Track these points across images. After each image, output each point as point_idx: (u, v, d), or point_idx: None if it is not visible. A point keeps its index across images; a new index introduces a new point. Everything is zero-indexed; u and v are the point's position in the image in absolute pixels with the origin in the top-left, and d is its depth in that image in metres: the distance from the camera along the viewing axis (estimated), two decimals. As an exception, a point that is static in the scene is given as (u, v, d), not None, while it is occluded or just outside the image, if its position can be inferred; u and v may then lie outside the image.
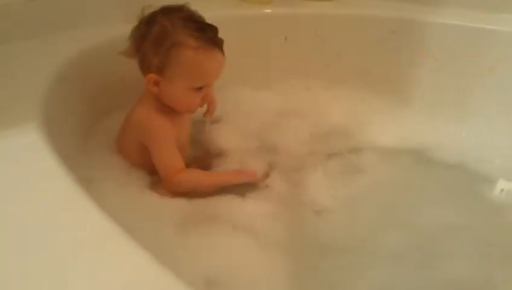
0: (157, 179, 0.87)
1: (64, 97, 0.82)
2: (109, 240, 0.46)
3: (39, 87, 0.75)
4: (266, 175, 0.95)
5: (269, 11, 1.27)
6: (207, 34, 0.80)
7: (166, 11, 0.82)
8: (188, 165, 0.89)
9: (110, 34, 0.98)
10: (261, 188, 0.91)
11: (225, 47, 1.17)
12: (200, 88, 0.83)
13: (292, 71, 1.27)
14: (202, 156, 1.01)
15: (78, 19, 1.00)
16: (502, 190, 0.99)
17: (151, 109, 0.85)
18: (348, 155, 1.03)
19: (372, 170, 0.98)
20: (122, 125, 0.90)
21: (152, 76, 0.81)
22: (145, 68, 0.83)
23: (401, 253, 0.79)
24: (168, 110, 0.85)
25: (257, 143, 1.05)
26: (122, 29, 0.94)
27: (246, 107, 1.17)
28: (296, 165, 0.99)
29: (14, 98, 0.72)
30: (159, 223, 0.76)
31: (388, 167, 1.00)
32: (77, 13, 1.01)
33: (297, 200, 0.90)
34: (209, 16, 1.11)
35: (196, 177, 0.89)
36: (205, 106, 0.92)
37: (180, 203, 0.83)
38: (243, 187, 0.90)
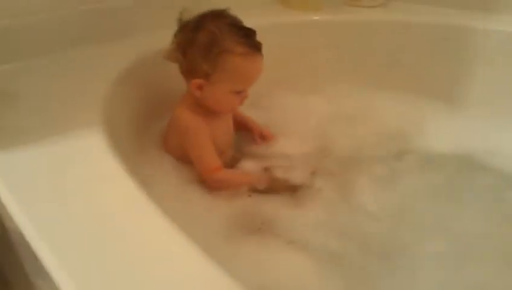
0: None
1: (123, 100, 0.86)
2: (172, 244, 0.48)
3: (100, 91, 0.79)
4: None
5: (318, 18, 1.27)
6: (252, 40, 0.83)
7: (213, 16, 0.84)
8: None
9: (165, 42, 1.02)
10: (312, 193, 0.91)
11: (273, 53, 1.19)
12: (241, 90, 0.86)
13: (341, 77, 1.26)
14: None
15: (137, 27, 1.05)
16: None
17: (189, 111, 0.87)
18: (399, 160, 1.02)
19: (423, 175, 0.97)
20: (166, 126, 0.93)
21: (198, 81, 0.84)
22: (189, 73, 0.85)
23: (443, 258, 0.78)
24: (206, 111, 0.88)
25: (307, 147, 1.05)
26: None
27: (295, 112, 1.17)
28: (347, 170, 0.98)
29: (77, 101, 0.76)
30: (209, 229, 0.77)
31: (439, 172, 0.98)
32: (136, 22, 1.06)
33: (347, 205, 0.89)
34: (254, 23, 1.15)
35: (231, 176, 0.92)
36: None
37: (229, 208, 0.85)
38: (297, 191, 0.91)
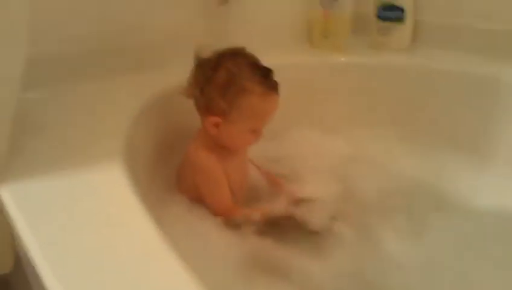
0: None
1: (144, 135, 0.86)
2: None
3: (123, 123, 0.79)
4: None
5: (343, 59, 1.28)
6: (270, 80, 0.84)
7: (232, 55, 0.85)
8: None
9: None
10: (333, 240, 0.88)
11: (296, 91, 1.20)
12: (256, 129, 0.86)
13: (363, 120, 1.25)
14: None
15: (165, 61, 1.06)
16: None
17: (203, 148, 0.87)
18: (423, 212, 0.97)
19: (446, 230, 0.92)
20: (180, 164, 0.93)
21: (214, 119, 0.84)
22: (206, 110, 0.85)
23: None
24: (221, 148, 0.88)
25: (326, 189, 1.02)
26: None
27: (314, 151, 1.15)
28: (369, 218, 0.95)
29: (100, 133, 0.76)
30: (223, 267, 0.75)
31: (464, 229, 0.92)
32: (162, 54, 1.07)
33: (369, 255, 0.86)
34: (279, 62, 1.15)
35: (244, 217, 0.89)
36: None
37: (247, 246, 0.82)
38: (312, 236, 0.88)
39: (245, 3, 1.17)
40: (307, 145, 1.18)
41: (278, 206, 0.93)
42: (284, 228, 0.90)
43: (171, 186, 0.95)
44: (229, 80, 0.82)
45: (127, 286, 0.45)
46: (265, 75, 0.83)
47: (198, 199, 0.89)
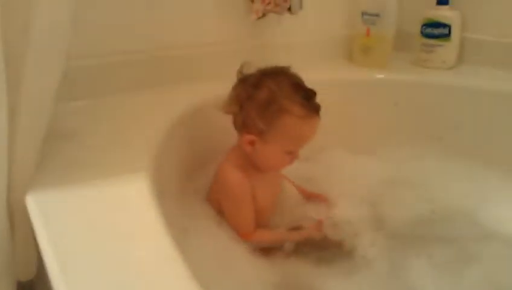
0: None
1: (172, 149, 0.86)
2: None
3: (153, 137, 0.79)
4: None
5: (382, 76, 1.24)
6: (312, 102, 0.81)
7: (274, 74, 0.82)
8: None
9: (224, 90, 1.03)
10: (362, 265, 0.85)
11: (332, 109, 1.17)
12: (292, 151, 0.84)
13: (400, 139, 1.20)
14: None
15: (199, 73, 1.07)
16: None
17: (234, 166, 0.85)
18: (462, 240, 0.91)
19: (488, 261, 0.85)
20: (212, 179, 0.92)
21: (250, 137, 0.82)
22: (243, 127, 0.83)
23: None
24: (253, 166, 0.86)
25: (358, 212, 0.98)
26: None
27: (349, 172, 1.12)
28: (402, 245, 0.90)
29: (128, 147, 0.76)
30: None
31: (507, 260, 0.86)
32: (199, 68, 1.08)
33: (398, 286, 0.82)
34: (318, 78, 1.13)
35: (264, 239, 0.89)
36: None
37: (271, 272, 0.81)
38: (343, 261, 0.86)
39: (287, 19, 1.16)
40: (341, 166, 1.14)
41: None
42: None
43: (203, 199, 0.94)
44: (269, 98, 0.80)
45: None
46: (307, 97, 0.80)
47: (222, 213, 0.88)
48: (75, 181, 0.64)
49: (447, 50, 1.25)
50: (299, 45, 1.24)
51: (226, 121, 0.87)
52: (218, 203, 0.89)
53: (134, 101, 0.95)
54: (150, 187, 0.64)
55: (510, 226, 0.94)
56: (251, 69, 0.84)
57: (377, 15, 1.24)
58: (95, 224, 0.56)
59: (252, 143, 0.82)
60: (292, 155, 0.84)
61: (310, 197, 1.01)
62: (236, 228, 0.85)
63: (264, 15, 1.09)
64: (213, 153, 0.95)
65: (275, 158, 0.84)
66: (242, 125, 0.84)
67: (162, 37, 1.04)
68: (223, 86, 1.03)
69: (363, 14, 1.26)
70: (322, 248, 0.91)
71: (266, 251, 0.88)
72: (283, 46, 1.20)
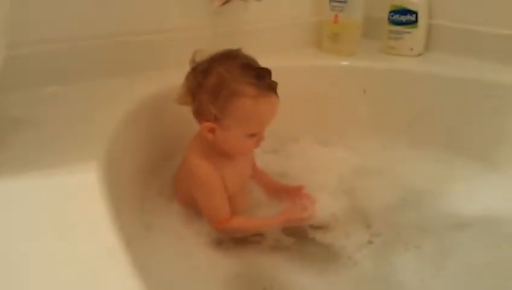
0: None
1: (131, 139, 0.82)
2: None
3: (107, 126, 0.75)
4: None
5: (347, 63, 1.22)
6: (264, 81, 0.77)
7: (223, 58, 0.80)
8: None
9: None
10: (339, 258, 0.83)
11: (300, 97, 1.16)
12: (255, 133, 0.81)
13: (369, 127, 1.19)
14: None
15: (160, 61, 1.04)
16: None
17: (200, 155, 0.83)
18: (437, 231, 0.89)
19: (464, 250, 0.84)
20: (177, 170, 0.90)
21: (209, 124, 0.79)
22: (201, 116, 0.81)
23: None
24: (219, 153, 0.83)
25: (335, 204, 0.97)
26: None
27: (318, 161, 1.11)
28: (383, 236, 0.89)
29: (83, 135, 0.73)
30: (208, 286, 0.72)
31: (482, 245, 0.85)
32: (160, 56, 1.04)
33: (381, 282, 0.79)
34: (286, 65, 1.12)
35: (241, 225, 0.87)
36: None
37: (238, 264, 0.79)
38: (323, 257, 0.84)
39: (253, 5, 1.13)
40: (311, 156, 1.13)
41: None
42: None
43: (169, 191, 0.92)
44: (219, 84, 0.77)
45: None
46: (258, 76, 0.77)
47: (194, 206, 0.86)
48: (20, 171, 0.61)
49: (415, 37, 1.24)
50: (266, 32, 1.22)
51: (188, 110, 0.84)
52: (185, 194, 0.87)
53: (93, 89, 0.91)
54: (100, 178, 0.61)
55: (478, 212, 0.93)
56: (204, 57, 0.81)
57: (344, 1, 1.22)
58: (37, 214, 0.53)
59: (211, 131, 0.80)
60: (256, 137, 0.82)
61: (284, 191, 0.98)
62: (211, 217, 0.84)
63: (228, 1, 1.06)
64: (178, 143, 0.91)
65: (237, 143, 0.81)
66: (199, 114, 0.81)
67: (124, 22, 1.00)
68: (184, 74, 1.01)
69: (331, 0, 1.25)
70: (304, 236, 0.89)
71: (243, 243, 0.86)
72: (250, 32, 1.18)
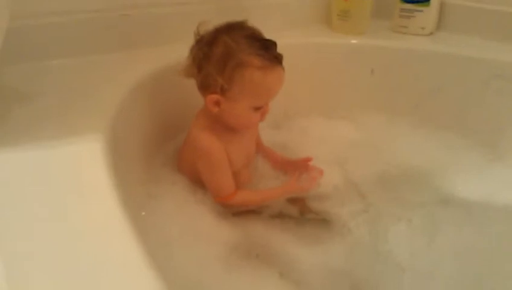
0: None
1: (136, 112, 0.83)
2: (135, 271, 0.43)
3: (112, 99, 0.76)
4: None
5: (356, 41, 1.21)
6: (271, 52, 0.77)
7: (229, 29, 0.79)
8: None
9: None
10: (338, 228, 0.85)
11: (307, 74, 1.15)
12: (260, 106, 0.81)
13: (376, 105, 1.19)
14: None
15: (164, 36, 1.03)
16: None
17: (205, 129, 0.83)
18: (430, 207, 0.90)
19: (455, 228, 0.85)
20: (182, 144, 0.90)
21: (214, 97, 0.79)
22: (206, 88, 0.80)
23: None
24: (224, 127, 0.83)
25: (333, 176, 0.97)
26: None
27: (323, 137, 1.11)
28: (377, 208, 0.90)
29: (87, 107, 0.73)
30: (207, 251, 0.73)
31: (474, 226, 0.85)
32: (169, 31, 1.03)
33: (372, 250, 0.80)
34: (293, 42, 1.10)
35: (245, 199, 0.87)
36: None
37: (237, 232, 0.80)
38: (320, 226, 0.85)
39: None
40: (315, 131, 1.13)
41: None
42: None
43: (173, 164, 0.92)
44: (225, 54, 0.76)
45: (71, 261, 0.43)
46: (264, 47, 0.76)
47: (198, 180, 0.86)
48: (24, 141, 0.62)
49: (426, 15, 1.22)
50: (274, 7, 1.21)
51: (192, 85, 0.84)
52: (189, 169, 0.87)
53: (96, 63, 0.91)
54: (104, 148, 0.61)
55: (474, 195, 0.94)
56: (209, 29, 0.81)
57: (355, -22, 1.20)
58: (39, 182, 0.54)
59: (217, 103, 0.80)
60: (261, 110, 0.81)
61: (292, 164, 0.98)
62: (215, 191, 0.84)
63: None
64: (182, 118, 0.92)
65: (243, 115, 0.81)
66: (204, 87, 0.81)
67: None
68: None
69: (342, -24, 1.22)
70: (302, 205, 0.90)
71: (244, 216, 0.87)
72: (256, 7, 1.16)
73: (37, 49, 0.89)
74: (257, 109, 0.81)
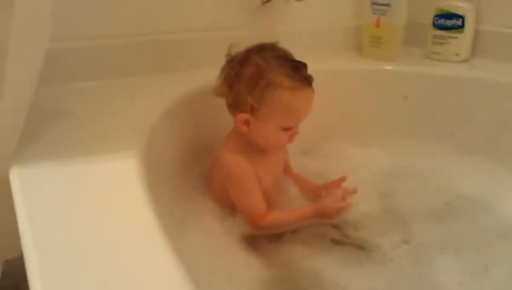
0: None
1: (168, 133, 0.82)
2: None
3: (146, 120, 0.76)
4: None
5: (390, 68, 1.19)
6: (301, 73, 0.77)
7: (260, 49, 0.80)
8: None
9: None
10: (381, 259, 0.80)
11: (339, 101, 1.13)
12: (289, 127, 0.80)
13: (410, 132, 1.16)
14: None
15: (198, 61, 1.03)
16: None
17: (234, 150, 0.82)
18: (481, 236, 0.86)
19: (507, 259, 0.80)
20: (211, 166, 0.89)
21: (244, 116, 0.79)
22: (236, 107, 0.80)
23: None
24: (253, 148, 0.82)
25: (370, 205, 0.93)
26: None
27: (357, 164, 1.07)
28: (422, 239, 0.85)
29: (120, 127, 0.73)
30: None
31: None
32: (200, 55, 1.04)
33: (419, 284, 0.76)
34: (325, 68, 1.09)
35: (278, 218, 0.84)
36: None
37: (271, 271, 0.76)
38: (361, 255, 0.81)
39: (294, 6, 1.12)
40: (348, 158, 1.10)
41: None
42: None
43: (203, 189, 0.90)
44: (256, 74, 0.77)
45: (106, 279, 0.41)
46: (295, 68, 0.77)
47: (228, 203, 0.84)
48: (61, 158, 0.61)
49: (460, 42, 1.20)
50: (305, 34, 1.21)
51: (224, 107, 0.84)
52: (218, 191, 0.86)
53: (128, 86, 0.92)
54: (138, 168, 0.60)
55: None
56: (239, 50, 0.82)
57: (387, 4, 1.19)
58: (76, 200, 0.53)
59: (246, 123, 0.79)
60: (290, 132, 0.81)
61: (323, 188, 0.93)
62: (247, 212, 0.82)
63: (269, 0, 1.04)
64: (213, 140, 0.90)
65: (271, 136, 0.81)
66: (234, 105, 0.81)
67: (163, 21, 1.00)
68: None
69: (373, 3, 1.22)
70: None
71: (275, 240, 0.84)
72: (288, 34, 1.15)
73: (71, 71, 0.90)
74: (286, 129, 0.80)
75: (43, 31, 0.64)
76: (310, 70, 0.79)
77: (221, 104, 0.94)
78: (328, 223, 0.86)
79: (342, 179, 0.92)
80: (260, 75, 0.76)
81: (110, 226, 0.48)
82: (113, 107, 0.82)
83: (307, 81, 0.78)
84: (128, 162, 0.61)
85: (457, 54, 1.21)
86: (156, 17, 0.99)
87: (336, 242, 0.84)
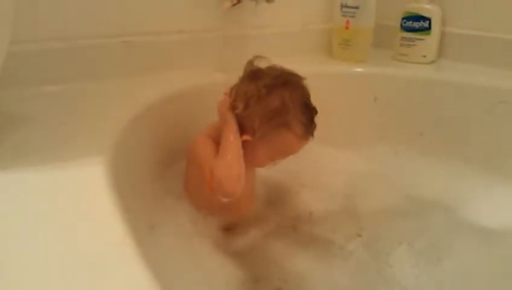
0: (227, 234, 0.85)
1: (139, 137, 0.81)
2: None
3: (115, 125, 0.74)
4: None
5: (360, 70, 1.21)
6: (313, 125, 0.81)
7: (292, 87, 0.80)
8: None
9: (195, 80, 0.99)
10: (340, 254, 0.83)
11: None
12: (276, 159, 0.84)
13: (380, 134, 1.18)
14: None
15: (168, 63, 1.02)
16: None
17: (208, 135, 0.82)
18: (439, 233, 0.89)
19: (463, 253, 0.84)
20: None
21: (245, 137, 0.79)
22: (241, 125, 0.80)
23: None
24: None
25: (335, 204, 0.96)
26: (208, 77, 0.98)
27: (327, 165, 1.09)
28: (381, 235, 0.88)
29: (87, 132, 0.71)
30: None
31: (483, 253, 0.84)
32: (167, 57, 1.03)
33: (377, 275, 0.79)
34: (299, 70, 1.09)
35: (221, 166, 0.77)
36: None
37: (240, 271, 0.77)
38: (320, 251, 0.83)
39: (263, 8, 1.11)
40: (319, 160, 1.11)
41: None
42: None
43: (179, 193, 0.89)
44: (278, 110, 0.78)
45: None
46: (311, 119, 0.80)
47: (202, 202, 0.84)
48: (22, 165, 0.59)
49: (427, 44, 1.23)
50: (276, 37, 1.21)
51: (198, 112, 0.83)
52: (190, 186, 0.86)
53: (97, 89, 0.90)
54: (105, 173, 0.58)
55: (485, 222, 0.92)
56: (262, 64, 0.83)
57: (356, 7, 1.21)
58: (38, 210, 0.51)
59: (244, 141, 0.80)
60: (273, 162, 0.85)
61: None
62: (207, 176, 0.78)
63: (239, 1, 1.04)
64: (186, 144, 0.89)
65: (257, 159, 0.83)
66: (240, 123, 0.80)
67: (133, 23, 0.98)
68: (193, 76, 0.99)
69: (342, 6, 1.23)
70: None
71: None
72: (259, 36, 1.17)
73: (35, 74, 0.87)
74: (272, 159, 0.84)
75: (4, 32, 0.62)
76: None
77: (191, 108, 0.94)
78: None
79: None
80: (281, 113, 0.78)
81: (74, 237, 0.46)
82: (79, 112, 0.80)
83: (313, 132, 0.81)
84: (95, 168, 0.59)
85: (424, 56, 1.23)
86: (125, 19, 0.97)
87: (302, 241, 0.87)
